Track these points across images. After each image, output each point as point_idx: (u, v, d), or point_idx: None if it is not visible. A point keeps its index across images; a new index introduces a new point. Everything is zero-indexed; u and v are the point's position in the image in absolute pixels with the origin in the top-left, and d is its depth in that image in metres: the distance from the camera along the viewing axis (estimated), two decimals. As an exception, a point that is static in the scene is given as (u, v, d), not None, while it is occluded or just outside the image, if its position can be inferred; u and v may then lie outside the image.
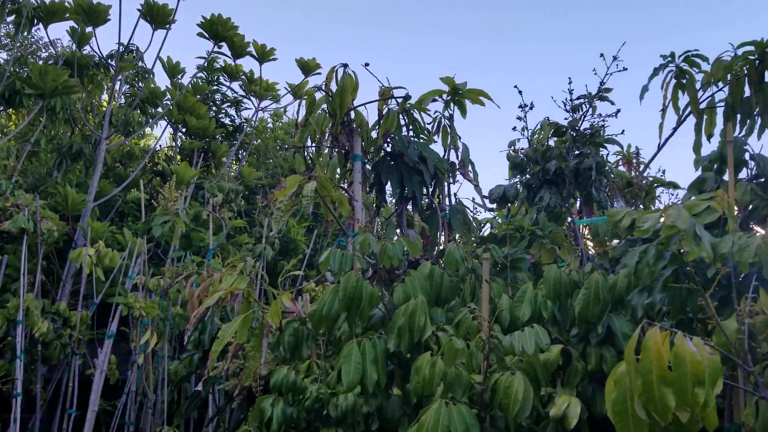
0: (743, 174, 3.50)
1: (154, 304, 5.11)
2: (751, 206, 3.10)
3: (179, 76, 9.09)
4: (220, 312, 4.86)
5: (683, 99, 4.76)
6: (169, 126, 9.14)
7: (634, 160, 6.32)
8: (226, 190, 7.02)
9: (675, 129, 4.95)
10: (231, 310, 4.74)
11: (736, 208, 3.25)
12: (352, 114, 4.85)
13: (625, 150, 6.08)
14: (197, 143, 8.93)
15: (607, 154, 6.17)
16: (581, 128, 3.92)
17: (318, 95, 4.84)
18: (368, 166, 5.25)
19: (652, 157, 5.12)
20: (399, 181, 5.04)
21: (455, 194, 5.40)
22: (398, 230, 5.20)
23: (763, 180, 3.30)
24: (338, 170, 5.09)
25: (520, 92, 4.18)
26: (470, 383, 2.62)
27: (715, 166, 3.41)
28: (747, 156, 3.42)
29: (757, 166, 3.37)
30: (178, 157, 9.21)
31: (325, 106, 4.88)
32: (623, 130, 4.13)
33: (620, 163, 6.43)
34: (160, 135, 11.04)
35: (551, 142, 4.78)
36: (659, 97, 4.78)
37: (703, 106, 4.72)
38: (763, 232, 3.07)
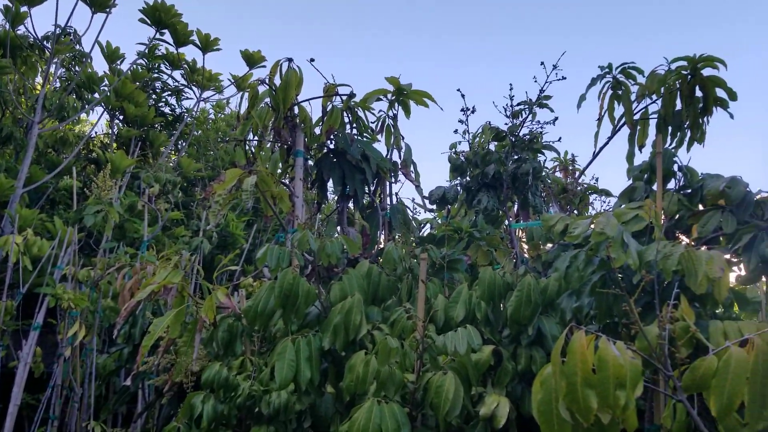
0: (671, 185, 3.64)
1: (83, 295, 4.94)
2: (677, 216, 3.23)
3: (118, 62, 8.83)
4: (152, 306, 4.75)
5: (619, 109, 4.92)
6: (105, 113, 8.87)
7: (571, 167, 6.50)
8: (163, 181, 6.85)
9: (610, 138, 5.11)
10: (164, 305, 4.63)
11: (663, 217, 3.39)
12: (296, 109, 4.82)
13: (562, 157, 6.25)
14: (135, 131, 8.69)
15: (545, 160, 6.33)
16: (520, 134, 4.00)
17: (262, 89, 4.79)
18: (310, 163, 5.22)
19: (587, 165, 5.27)
20: (341, 178, 5.03)
21: (396, 194, 5.45)
22: (339, 228, 5.19)
23: (689, 191, 3.45)
24: (280, 165, 5.04)
25: (462, 96, 4.25)
26: (403, 382, 2.64)
27: (646, 176, 3.53)
28: (675, 167, 3.56)
29: (685, 177, 3.51)
30: (114, 145, 8.94)
31: (268, 99, 4.83)
32: (560, 137, 4.24)
33: (557, 169, 6.60)
34: (96, 121, 10.68)
35: (492, 147, 4.87)
36: (597, 107, 4.93)
37: (637, 117, 4.89)
38: (687, 240, 3.20)
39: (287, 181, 4.95)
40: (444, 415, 2.50)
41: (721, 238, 3.09)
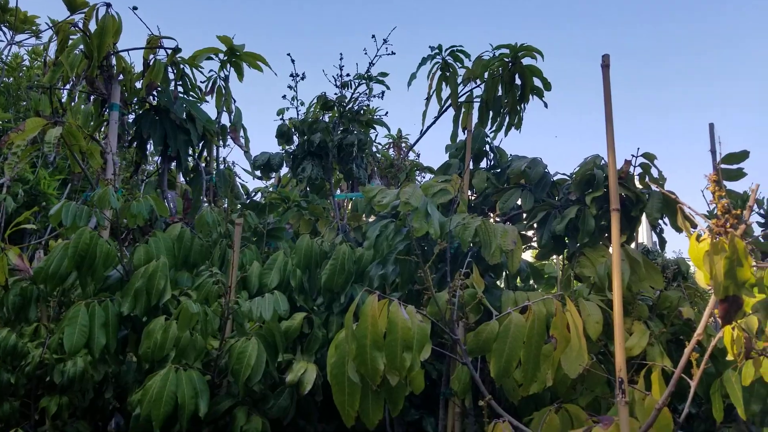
0: (484, 164, 3.84)
1: None
2: (485, 193, 3.40)
3: None
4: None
5: (446, 90, 5.09)
6: None
7: (403, 144, 6.66)
8: (-41, 129, 6.08)
9: (436, 118, 5.27)
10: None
11: (472, 194, 3.56)
12: (114, 59, 4.46)
13: (393, 134, 6.38)
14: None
15: (376, 135, 6.41)
16: (349, 105, 4.00)
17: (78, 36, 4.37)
18: (131, 119, 4.89)
19: (414, 142, 5.42)
20: (162, 138, 4.76)
21: (224, 159, 5.26)
22: (158, 190, 4.92)
23: (498, 170, 3.65)
24: (92, 119, 4.66)
25: (292, 60, 4.15)
26: (204, 348, 2.55)
27: (462, 154, 3.69)
28: (487, 147, 3.76)
29: (495, 157, 3.71)
30: None
31: (83, 47, 4.42)
32: (387, 112, 4.29)
33: (391, 146, 6.74)
34: None
35: (326, 118, 4.84)
36: (427, 86, 5.06)
37: (462, 99, 5.09)
38: (493, 217, 3.39)
39: (103, 137, 4.59)
40: (244, 381, 2.44)
41: (524, 216, 3.30)
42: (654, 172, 2.85)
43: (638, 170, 2.87)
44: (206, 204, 4.83)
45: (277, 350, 2.72)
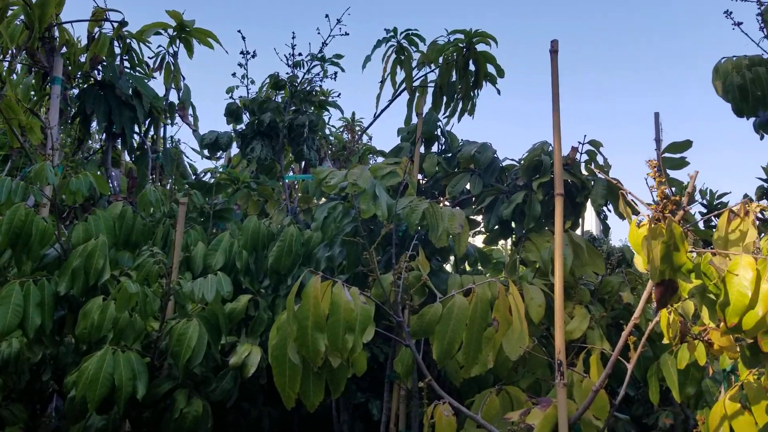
0: (436, 149, 3.84)
1: None
2: (435, 177, 3.40)
3: None
4: None
5: (401, 74, 5.06)
6: None
7: (358, 128, 6.62)
8: None
9: (390, 102, 5.24)
10: None
11: (423, 178, 3.56)
12: (56, 31, 4.29)
13: (348, 116, 6.33)
14: None
15: (330, 118, 6.34)
16: (301, 85, 3.93)
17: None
18: (75, 93, 4.71)
19: (368, 125, 5.38)
20: (107, 114, 4.61)
21: (172, 137, 5.14)
22: (102, 168, 4.77)
23: (450, 155, 3.65)
24: (33, 93, 4.48)
25: (243, 38, 4.07)
26: (144, 330, 2.49)
27: (414, 138, 3.67)
28: (439, 132, 3.75)
29: (446, 141, 3.71)
30: None
31: (23, 17, 4.23)
32: (339, 94, 4.24)
33: (345, 129, 6.68)
34: None
35: (279, 98, 4.76)
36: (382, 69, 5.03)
37: (416, 84, 5.07)
38: (443, 201, 3.40)
39: (43, 112, 4.42)
40: (185, 363, 2.39)
41: (473, 201, 3.31)
42: (599, 159, 2.89)
43: (584, 157, 2.90)
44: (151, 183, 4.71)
45: (220, 332, 2.67)
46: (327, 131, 6.11)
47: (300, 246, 3.15)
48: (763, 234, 1.99)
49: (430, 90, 5.13)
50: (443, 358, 1.93)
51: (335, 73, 4.02)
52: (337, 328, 1.79)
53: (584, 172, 2.92)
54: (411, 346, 2.01)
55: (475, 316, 1.94)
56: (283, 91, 3.97)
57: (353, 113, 6.70)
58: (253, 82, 3.95)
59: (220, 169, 5.70)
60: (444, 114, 5.00)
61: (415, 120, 5.07)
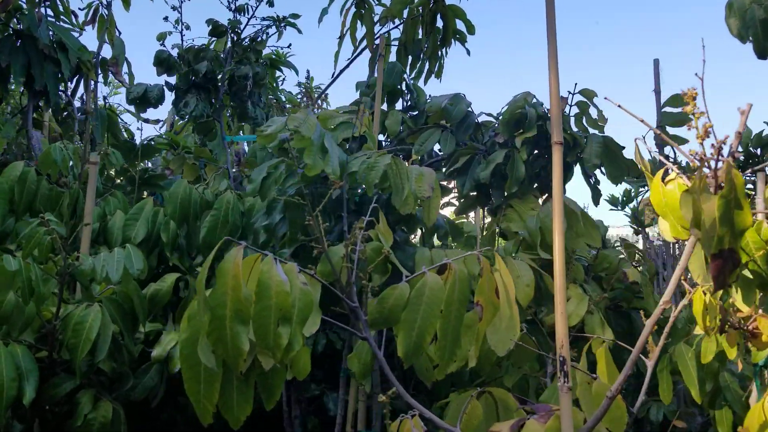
0: (400, 105, 3.37)
1: None
2: (400, 136, 2.93)
3: None
4: None
5: (361, 30, 4.58)
6: None
7: (316, 95, 6.10)
8: None
9: (350, 61, 4.76)
10: None
11: (387, 139, 3.08)
12: (-43, -34, 3.66)
13: (303, 78, 5.81)
14: None
15: (284, 79, 5.78)
16: (244, 34, 3.41)
17: None
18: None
19: (326, 86, 4.90)
20: (25, 67, 4.01)
21: (105, 97, 4.57)
22: (23, 131, 4.19)
23: (416, 112, 3.18)
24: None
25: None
26: (34, 316, 1.98)
27: (373, 93, 3.18)
28: (404, 86, 3.28)
29: (413, 96, 3.24)
30: None
31: None
32: (290, 44, 3.72)
33: (302, 94, 6.17)
34: None
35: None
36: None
37: (378, 41, 4.59)
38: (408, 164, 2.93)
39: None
40: (81, 359, 1.89)
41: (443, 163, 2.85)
42: (593, 113, 2.45)
43: (574, 110, 2.46)
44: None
45: (136, 319, 2.18)
46: (282, 97, 5.59)
47: (239, 216, 2.66)
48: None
49: (394, 49, 4.65)
50: (411, 355, 1.47)
51: (284, 17, 3.49)
52: (267, 319, 1.31)
53: (574, 128, 2.49)
54: (369, 339, 1.54)
55: (452, 300, 1.48)
56: (214, 36, 3.42)
57: (307, 71, 6.17)
58: (188, 27, 3.40)
59: (163, 137, 5.15)
60: (410, 76, 4.52)
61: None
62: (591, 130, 2.44)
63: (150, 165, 4.16)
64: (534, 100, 2.46)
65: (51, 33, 4.10)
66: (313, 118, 1.91)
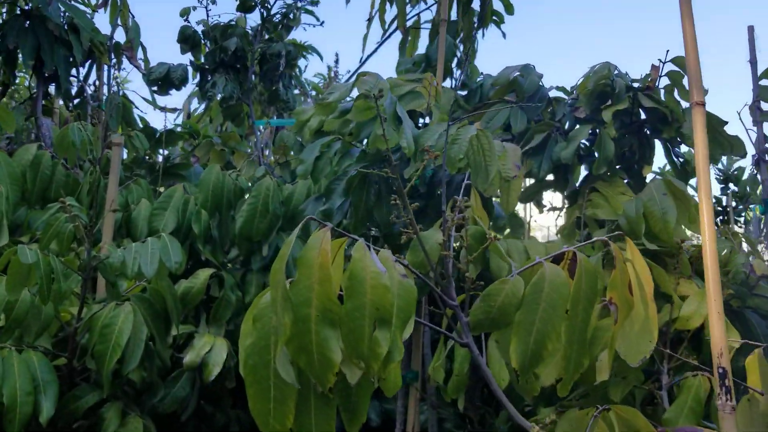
0: (448, 84, 3.07)
1: None
2: (454, 117, 2.63)
3: None
4: None
5: (392, 12, 4.29)
6: None
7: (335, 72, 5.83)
8: None
9: (380, 44, 4.47)
10: None
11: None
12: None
13: (328, 62, 5.54)
14: None
15: (307, 66, 5.47)
16: (274, 10, 3.10)
17: None
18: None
19: (355, 70, 4.59)
20: (35, 50, 3.74)
21: (119, 83, 4.29)
22: (32, 118, 3.92)
23: (466, 92, 2.88)
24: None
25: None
26: (52, 318, 1.69)
27: (419, 70, 2.89)
28: (455, 64, 2.98)
29: (465, 74, 2.94)
30: None
31: None
32: (322, 21, 3.42)
33: (325, 85, 5.91)
34: None
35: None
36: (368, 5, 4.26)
37: (410, 23, 4.31)
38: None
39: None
40: (110, 369, 1.60)
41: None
42: (686, 83, 2.14)
43: (665, 81, 2.16)
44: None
45: (169, 321, 1.88)
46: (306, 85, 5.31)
47: (279, 204, 2.36)
48: None
49: (425, 32, 4.35)
50: (529, 365, 1.17)
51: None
52: (361, 320, 1.01)
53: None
54: (471, 345, 1.24)
55: (579, 297, 1.18)
56: (243, 12, 3.12)
57: (336, 54, 5.88)
58: (213, 1, 3.11)
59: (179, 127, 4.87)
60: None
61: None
62: (684, 104, 2.14)
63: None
64: (616, 72, 2.16)
65: (62, 13, 3.85)
66: (384, 83, 1.61)
